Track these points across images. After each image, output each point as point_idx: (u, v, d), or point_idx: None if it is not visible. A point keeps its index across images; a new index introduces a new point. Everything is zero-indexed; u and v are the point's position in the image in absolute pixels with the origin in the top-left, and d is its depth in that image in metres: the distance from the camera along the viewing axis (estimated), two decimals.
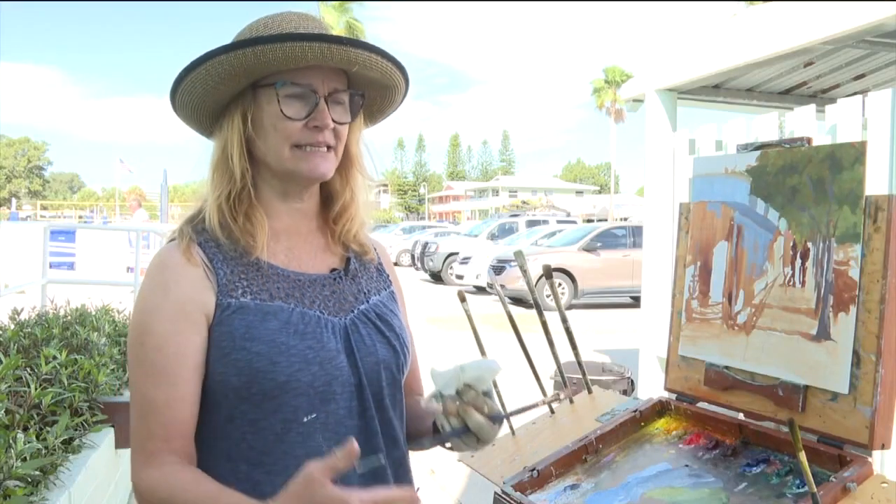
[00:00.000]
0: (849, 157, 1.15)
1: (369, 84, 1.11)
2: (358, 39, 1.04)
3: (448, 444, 1.08)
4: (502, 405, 1.12)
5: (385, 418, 1.08)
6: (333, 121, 1.05)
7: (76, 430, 2.64)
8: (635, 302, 9.51)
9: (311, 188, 1.12)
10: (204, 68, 1.02)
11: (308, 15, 1.09)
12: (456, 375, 1.01)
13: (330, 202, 1.16)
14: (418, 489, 1.23)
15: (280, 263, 1.08)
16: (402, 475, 1.10)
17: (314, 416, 1.00)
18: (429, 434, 1.10)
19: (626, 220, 33.92)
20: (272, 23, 1.06)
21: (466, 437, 1.03)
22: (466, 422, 1.00)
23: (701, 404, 1.40)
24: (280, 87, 1.03)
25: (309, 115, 1.04)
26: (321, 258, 1.14)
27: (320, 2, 36.17)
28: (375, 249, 1.22)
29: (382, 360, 1.08)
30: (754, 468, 1.20)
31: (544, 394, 1.69)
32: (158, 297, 1.02)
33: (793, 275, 1.23)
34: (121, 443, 3.04)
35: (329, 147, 1.06)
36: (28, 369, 2.63)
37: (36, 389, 2.45)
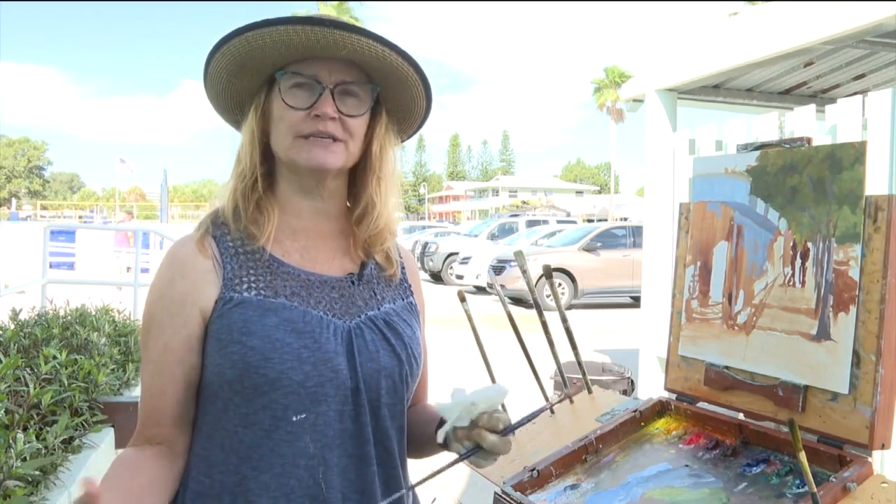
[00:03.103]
0: (849, 157, 1.15)
1: (385, 79, 1.08)
2: (349, 23, 1.01)
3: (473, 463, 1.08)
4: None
5: (381, 427, 1.06)
6: (342, 112, 1.04)
7: (76, 429, 2.64)
8: (635, 302, 9.51)
9: (328, 185, 1.10)
10: (214, 64, 1.06)
11: (324, 15, 1.09)
12: (468, 409, 1.01)
13: (355, 205, 1.14)
14: (434, 500, 1.22)
15: (294, 262, 1.08)
16: (392, 487, 1.08)
17: (304, 416, 0.99)
18: (432, 440, 1.08)
19: (626, 220, 33.92)
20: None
21: (483, 454, 1.03)
22: (481, 444, 1.01)
23: (701, 404, 1.40)
24: (283, 78, 1.05)
25: (312, 104, 1.03)
26: (339, 261, 1.12)
27: (320, 1, 36.19)
28: (402, 260, 1.20)
29: (384, 368, 1.06)
30: (754, 468, 1.20)
31: (545, 395, 1.69)
32: (164, 289, 1.05)
33: (793, 275, 1.23)
34: (121, 443, 3.04)
35: (336, 139, 1.05)
36: (28, 369, 2.63)
37: (35, 389, 2.45)
